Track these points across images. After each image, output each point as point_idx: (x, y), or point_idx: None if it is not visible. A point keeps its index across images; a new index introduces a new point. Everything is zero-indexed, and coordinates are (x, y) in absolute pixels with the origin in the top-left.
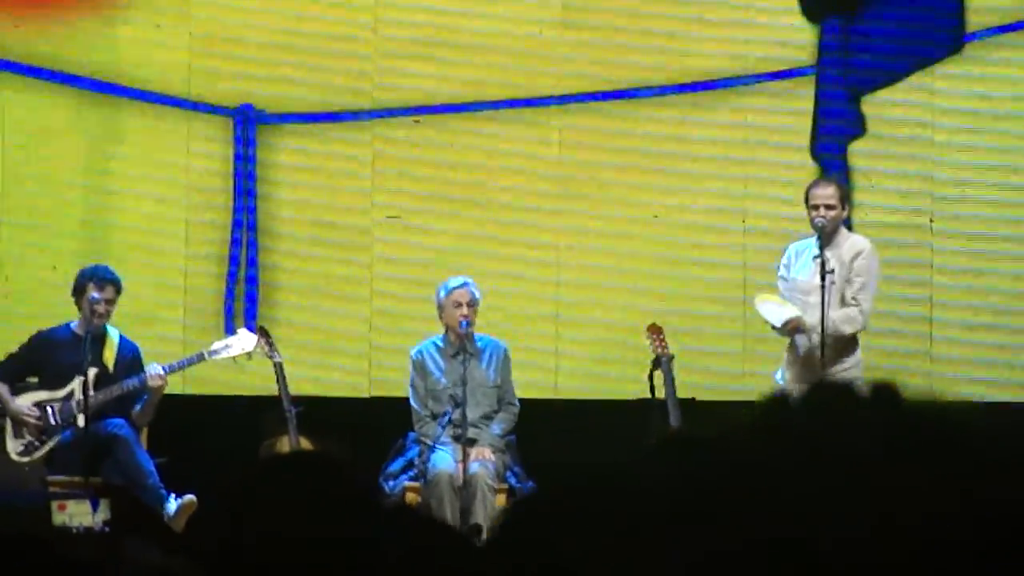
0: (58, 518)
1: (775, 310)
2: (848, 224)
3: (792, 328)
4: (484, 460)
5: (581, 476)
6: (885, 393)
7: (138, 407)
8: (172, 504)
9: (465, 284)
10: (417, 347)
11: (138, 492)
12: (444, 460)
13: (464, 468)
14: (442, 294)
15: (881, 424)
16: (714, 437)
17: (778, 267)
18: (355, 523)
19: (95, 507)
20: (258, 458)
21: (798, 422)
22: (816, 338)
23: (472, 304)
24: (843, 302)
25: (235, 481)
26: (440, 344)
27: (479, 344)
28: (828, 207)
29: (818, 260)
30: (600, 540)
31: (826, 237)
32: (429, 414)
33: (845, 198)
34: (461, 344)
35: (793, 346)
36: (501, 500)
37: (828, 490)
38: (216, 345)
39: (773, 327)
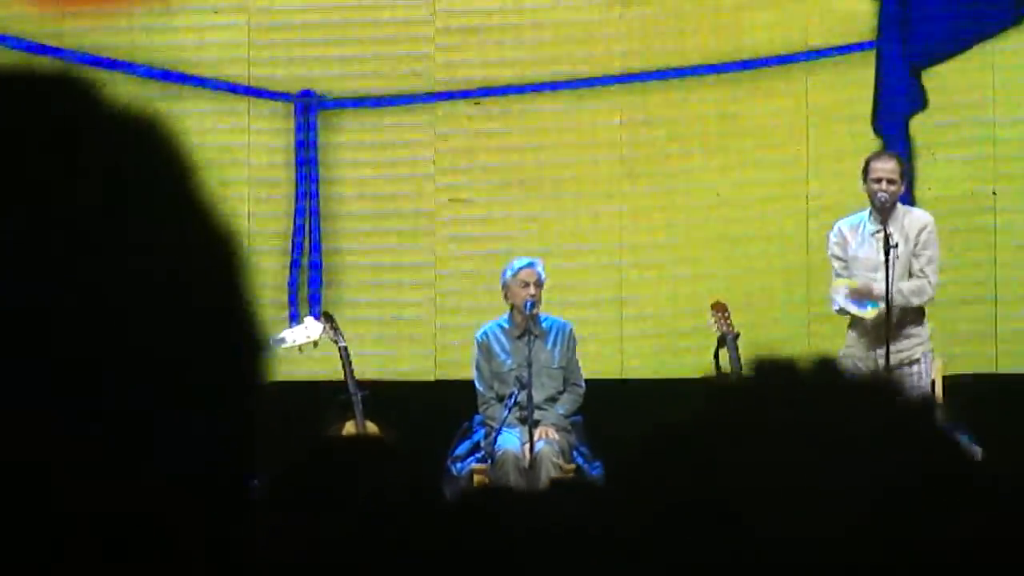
0: None
1: (840, 291)
2: (911, 199)
3: (859, 293)
4: (549, 439)
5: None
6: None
7: None
8: None
9: (531, 264)
10: (482, 328)
11: None
12: (510, 441)
13: (530, 449)
14: (508, 274)
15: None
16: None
17: (830, 247)
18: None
19: None
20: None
21: (743, 406)
22: (871, 313)
23: (538, 284)
24: (909, 276)
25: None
26: (505, 325)
27: (544, 325)
28: (890, 181)
29: (878, 235)
30: None
31: (885, 212)
32: (494, 396)
33: (905, 173)
34: (526, 325)
35: (857, 323)
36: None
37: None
38: (283, 333)
39: (843, 310)
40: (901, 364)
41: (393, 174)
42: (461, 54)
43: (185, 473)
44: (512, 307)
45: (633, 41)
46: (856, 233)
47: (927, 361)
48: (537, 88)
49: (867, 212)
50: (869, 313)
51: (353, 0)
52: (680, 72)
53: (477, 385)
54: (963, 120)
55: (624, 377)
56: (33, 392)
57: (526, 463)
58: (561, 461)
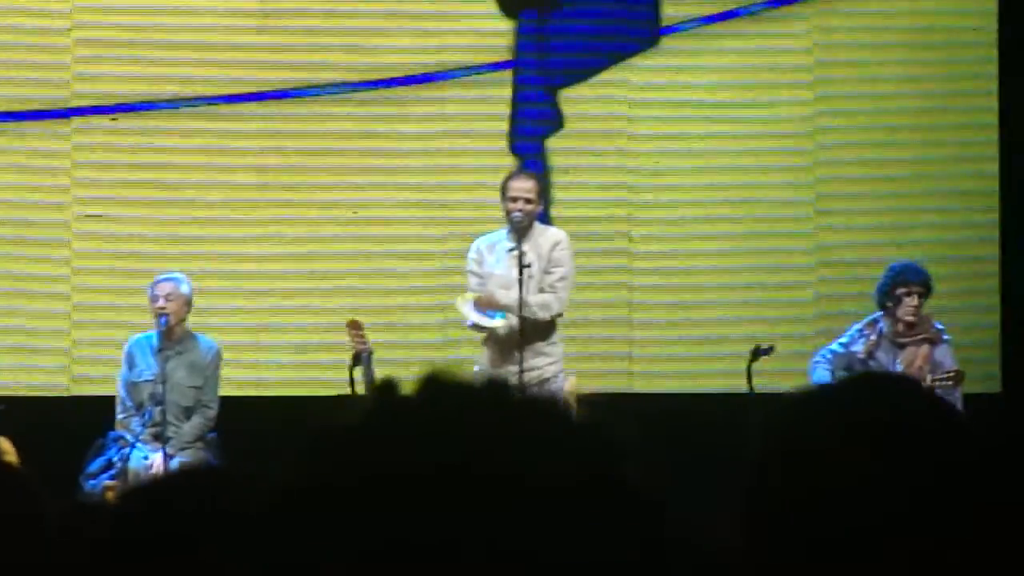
0: None
1: (465, 304)
2: (547, 219)
3: (485, 303)
4: (184, 457)
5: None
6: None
7: None
8: None
9: (170, 278)
10: (131, 339)
11: None
12: (139, 460)
13: (165, 466)
14: (149, 289)
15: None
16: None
17: (468, 263)
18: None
19: None
20: None
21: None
22: (498, 323)
23: (175, 297)
24: (541, 292)
25: None
26: (153, 339)
27: (192, 343)
28: (527, 200)
29: (513, 253)
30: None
31: (521, 231)
32: (134, 407)
33: (542, 192)
34: (165, 341)
35: (490, 341)
36: None
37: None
38: None
39: (476, 325)
40: (534, 382)
41: (30, 188)
42: (98, 71)
43: None
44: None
45: (272, 60)
46: (493, 250)
47: (559, 380)
48: (174, 105)
49: (505, 230)
50: (496, 323)
51: None
52: (316, 91)
53: (120, 393)
54: (599, 141)
55: (264, 394)
56: None
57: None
58: None
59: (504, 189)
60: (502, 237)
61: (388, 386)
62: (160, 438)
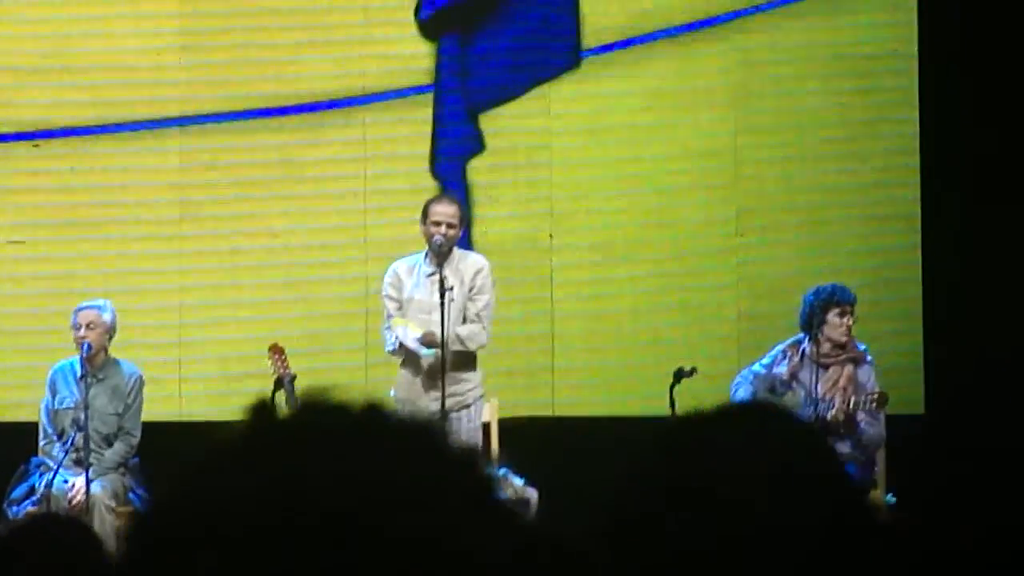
0: None
1: (407, 332)
2: (468, 242)
3: (429, 341)
4: (105, 481)
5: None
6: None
7: None
8: None
9: (92, 305)
10: (54, 367)
11: None
12: (60, 485)
13: (84, 491)
14: (72, 316)
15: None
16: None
17: (384, 287)
18: None
19: None
20: None
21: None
22: (430, 358)
23: (97, 324)
24: (465, 319)
25: None
26: (76, 366)
27: (114, 368)
28: (449, 225)
29: (434, 278)
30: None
31: (442, 255)
32: (55, 434)
33: (464, 217)
34: (90, 367)
35: (409, 364)
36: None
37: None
38: None
39: (397, 351)
40: (455, 408)
41: None
42: (17, 96)
43: None
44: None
45: (193, 86)
46: (411, 275)
47: (479, 406)
48: (95, 131)
49: (423, 254)
50: (427, 355)
51: None
52: (239, 115)
53: (42, 419)
54: (520, 163)
55: (187, 420)
56: None
57: (78, 505)
58: (114, 503)
59: (425, 213)
60: (419, 261)
61: (262, 409)
62: (82, 464)
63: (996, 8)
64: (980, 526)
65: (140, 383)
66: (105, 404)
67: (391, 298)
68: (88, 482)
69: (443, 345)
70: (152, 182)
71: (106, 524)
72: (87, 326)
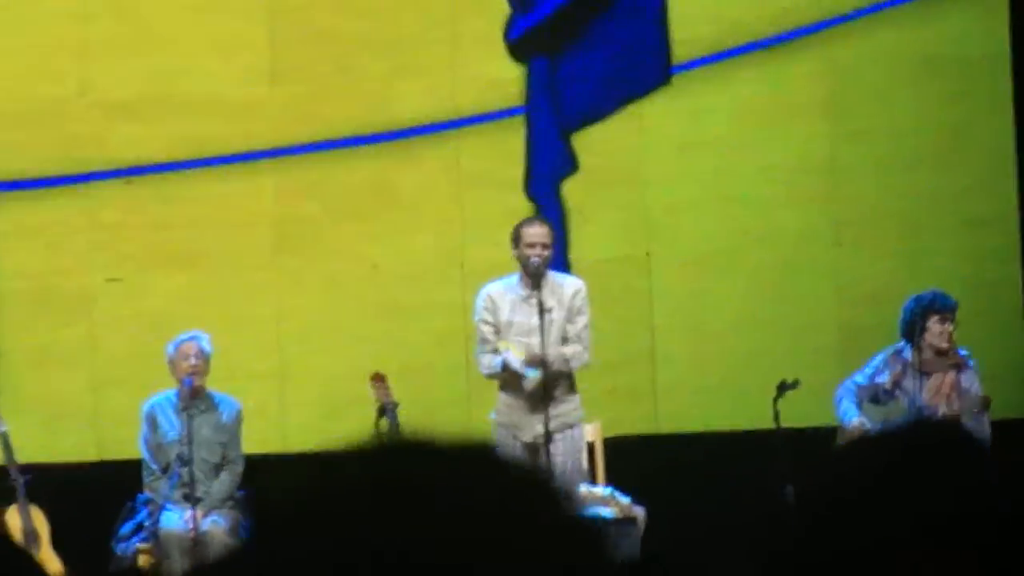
0: None
1: (511, 354)
2: (564, 262)
3: (533, 360)
4: (217, 516)
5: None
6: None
7: None
8: None
9: (192, 338)
10: (150, 401)
11: None
12: (173, 521)
13: (196, 526)
14: (171, 349)
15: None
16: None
17: (478, 312)
18: None
19: None
20: None
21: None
22: (536, 378)
23: (199, 357)
24: (565, 340)
25: None
26: (173, 399)
27: (213, 400)
28: (544, 246)
29: (531, 300)
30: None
31: (537, 277)
32: (159, 468)
33: (556, 237)
34: (190, 400)
35: (510, 387)
36: None
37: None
38: None
39: (498, 374)
40: (560, 429)
41: (49, 255)
42: (111, 134)
43: None
44: (179, 381)
45: (285, 116)
46: (505, 298)
47: (580, 427)
48: (188, 165)
49: (516, 277)
50: (532, 377)
51: (3, 87)
52: (332, 144)
53: (144, 455)
54: (614, 182)
55: (287, 451)
56: None
57: (190, 540)
58: (228, 539)
59: (518, 236)
60: (512, 284)
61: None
62: (190, 499)
63: None
64: None
65: (240, 414)
66: (210, 435)
67: (486, 322)
68: (195, 514)
69: (543, 364)
70: (247, 214)
71: None
72: (194, 357)
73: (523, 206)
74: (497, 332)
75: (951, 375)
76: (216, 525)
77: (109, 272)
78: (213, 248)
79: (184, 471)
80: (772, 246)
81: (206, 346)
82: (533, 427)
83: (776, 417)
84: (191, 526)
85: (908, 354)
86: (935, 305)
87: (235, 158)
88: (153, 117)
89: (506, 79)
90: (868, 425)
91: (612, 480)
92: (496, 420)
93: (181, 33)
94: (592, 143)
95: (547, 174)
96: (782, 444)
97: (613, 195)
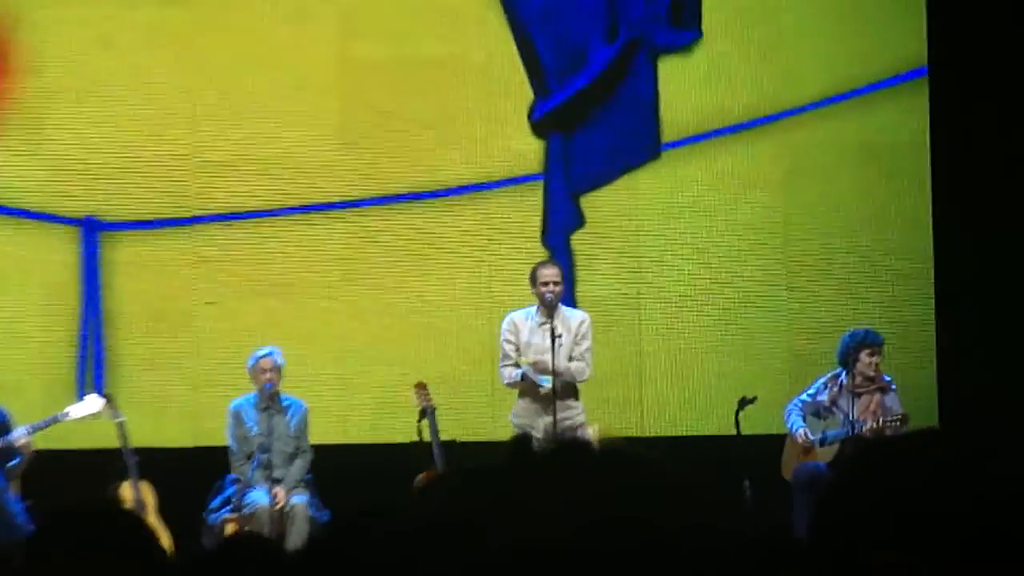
0: None
1: (528, 368)
2: (572, 299)
3: (537, 364)
4: (296, 495)
5: (373, 511)
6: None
7: (14, 462)
8: None
9: (269, 353)
10: (236, 401)
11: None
12: (260, 497)
13: (282, 501)
14: (251, 361)
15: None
16: (470, 472)
17: (504, 333)
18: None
19: None
20: (106, 500)
21: (539, 460)
22: (549, 386)
23: (274, 369)
24: (571, 359)
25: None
26: (253, 400)
27: (284, 402)
28: (555, 283)
29: (545, 327)
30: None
31: (551, 308)
32: (244, 456)
33: (565, 277)
34: (269, 401)
35: (526, 394)
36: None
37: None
38: (69, 408)
39: (518, 382)
40: (568, 429)
41: (161, 282)
42: (214, 184)
43: None
44: (258, 387)
45: (350, 176)
46: (525, 324)
47: (583, 429)
48: (273, 213)
49: (534, 308)
50: (544, 384)
51: (126, 140)
52: (388, 200)
53: (231, 445)
54: (613, 235)
55: (348, 442)
56: None
57: (273, 513)
58: (308, 512)
59: (535, 276)
60: (531, 313)
61: (522, 441)
62: (270, 479)
63: (1002, 101)
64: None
65: (307, 413)
66: (284, 430)
67: (509, 342)
68: (278, 495)
69: (554, 373)
70: (320, 253)
71: (303, 533)
72: (271, 369)
73: (540, 252)
74: (517, 350)
75: (877, 396)
76: (300, 500)
77: (208, 297)
78: (291, 280)
79: (264, 457)
80: (737, 289)
81: (279, 359)
82: (546, 426)
83: (737, 426)
84: (276, 499)
85: (844, 378)
86: (866, 340)
87: (311, 208)
88: (247, 174)
89: (528, 151)
90: (811, 435)
91: None
92: (514, 421)
93: (270, 107)
94: (596, 204)
95: (560, 228)
96: (742, 447)
97: (612, 246)
